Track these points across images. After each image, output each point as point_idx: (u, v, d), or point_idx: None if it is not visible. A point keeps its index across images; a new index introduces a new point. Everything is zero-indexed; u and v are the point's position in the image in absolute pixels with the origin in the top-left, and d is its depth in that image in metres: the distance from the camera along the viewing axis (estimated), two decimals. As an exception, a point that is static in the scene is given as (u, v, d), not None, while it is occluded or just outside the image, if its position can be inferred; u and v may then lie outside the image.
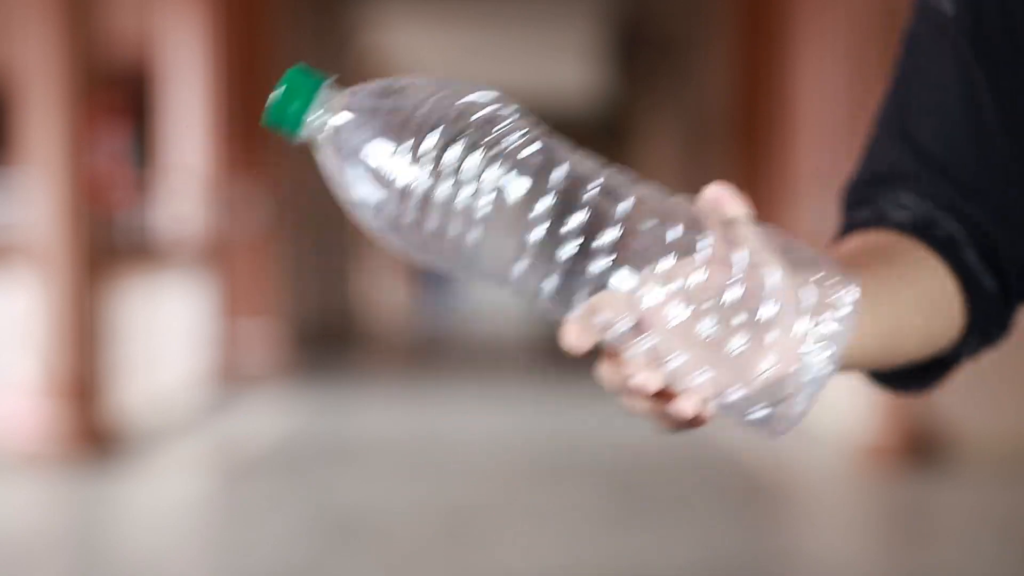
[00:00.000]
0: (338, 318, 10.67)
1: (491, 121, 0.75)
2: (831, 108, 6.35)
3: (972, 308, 0.96)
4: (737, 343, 0.72)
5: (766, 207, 7.68)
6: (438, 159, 0.74)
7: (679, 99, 11.11)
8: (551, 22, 12.61)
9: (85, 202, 5.44)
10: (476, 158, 0.74)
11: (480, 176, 0.74)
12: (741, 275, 0.72)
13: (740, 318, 0.72)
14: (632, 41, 12.43)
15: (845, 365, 0.83)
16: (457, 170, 0.74)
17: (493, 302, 17.14)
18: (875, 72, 5.80)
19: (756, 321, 0.72)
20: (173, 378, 6.83)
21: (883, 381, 1.00)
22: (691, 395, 0.72)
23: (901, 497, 5.01)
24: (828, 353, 0.73)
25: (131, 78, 8.18)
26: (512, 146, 0.74)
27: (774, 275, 0.73)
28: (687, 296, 0.72)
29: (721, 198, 0.75)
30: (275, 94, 0.78)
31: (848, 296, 0.75)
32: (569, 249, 0.73)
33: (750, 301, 0.72)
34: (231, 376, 7.51)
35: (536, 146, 0.75)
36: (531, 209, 0.73)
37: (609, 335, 0.73)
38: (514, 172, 0.74)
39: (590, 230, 0.73)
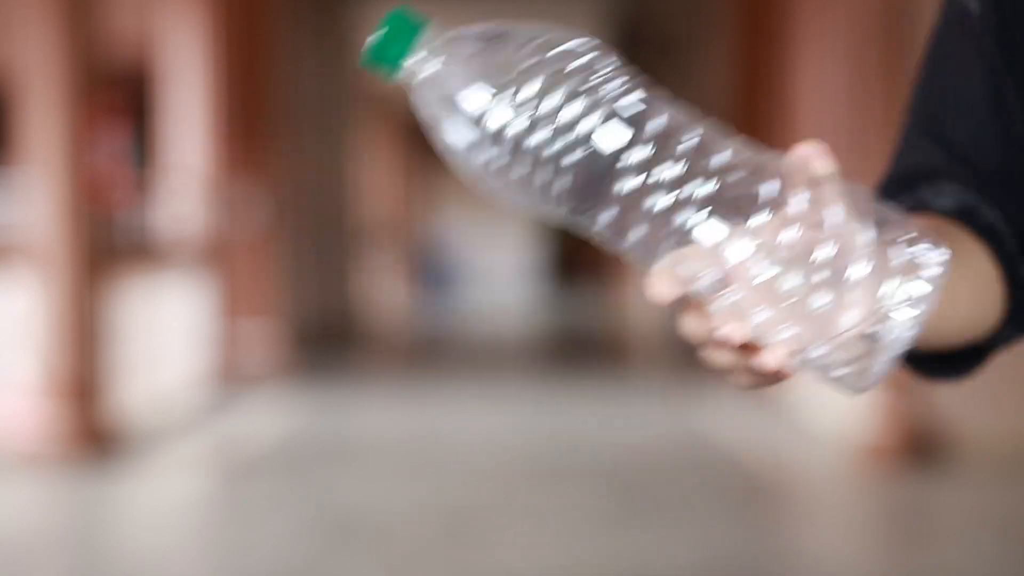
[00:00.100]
0: (338, 318, 10.67)
1: (590, 69, 0.75)
2: (831, 108, 6.35)
3: (1011, 296, 0.97)
4: (823, 300, 0.72)
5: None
6: (535, 105, 0.74)
7: (679, 99, 11.09)
8: (551, 22, 12.60)
9: (85, 202, 5.44)
10: (573, 105, 0.74)
11: (576, 123, 0.74)
12: (832, 233, 0.72)
13: (828, 276, 0.72)
14: (632, 41, 12.42)
15: None
16: (554, 117, 0.74)
17: (493, 302, 17.13)
18: (875, 72, 5.80)
19: (844, 279, 0.72)
20: (173, 378, 6.83)
21: (918, 364, 1.00)
22: (775, 349, 0.73)
23: (901, 497, 5.01)
24: (915, 313, 0.73)
25: (131, 78, 8.18)
26: (610, 95, 0.74)
27: (864, 234, 0.73)
28: (776, 252, 0.72)
29: (810, 155, 0.75)
30: (375, 35, 0.78)
31: (937, 257, 0.74)
32: (661, 200, 0.73)
33: (839, 259, 0.72)
34: (231, 376, 7.51)
35: (634, 96, 0.75)
36: (626, 158, 0.73)
37: (695, 287, 0.73)
38: (611, 121, 0.74)
39: (683, 182, 0.73)
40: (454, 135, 0.76)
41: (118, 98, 7.74)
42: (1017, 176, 0.98)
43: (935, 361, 0.99)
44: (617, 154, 0.73)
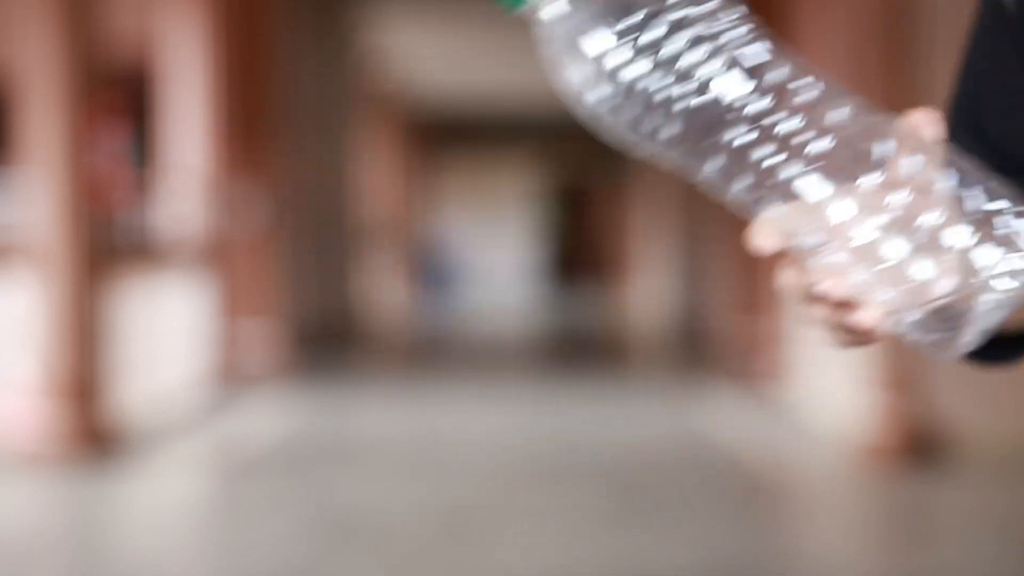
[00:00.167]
0: (338, 318, 10.66)
1: (714, 16, 0.75)
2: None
3: None
4: (922, 266, 0.72)
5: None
6: (657, 49, 0.74)
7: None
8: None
9: (85, 202, 5.44)
10: (696, 52, 0.74)
11: (696, 69, 0.73)
12: (939, 199, 0.72)
13: (929, 241, 0.72)
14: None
15: None
16: (675, 62, 0.74)
17: (493, 302, 17.13)
18: (875, 72, 5.80)
19: (945, 246, 0.72)
20: (173, 378, 6.83)
21: (988, 344, 1.00)
22: (870, 309, 0.73)
23: (901, 497, 5.01)
24: (1013, 284, 0.73)
25: (131, 78, 8.18)
26: (734, 43, 0.74)
27: (973, 202, 0.73)
28: (880, 214, 0.72)
29: (922, 121, 0.75)
30: None
31: None
32: (771, 154, 0.74)
33: (945, 226, 0.72)
34: (231, 376, 7.51)
35: (758, 46, 0.75)
36: (742, 108, 0.73)
37: (796, 242, 0.74)
38: (732, 70, 0.74)
39: (797, 136, 0.73)
40: (573, 73, 0.76)
41: (118, 98, 7.74)
42: None
43: (997, 345, 1.00)
44: (734, 103, 0.73)
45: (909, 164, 0.73)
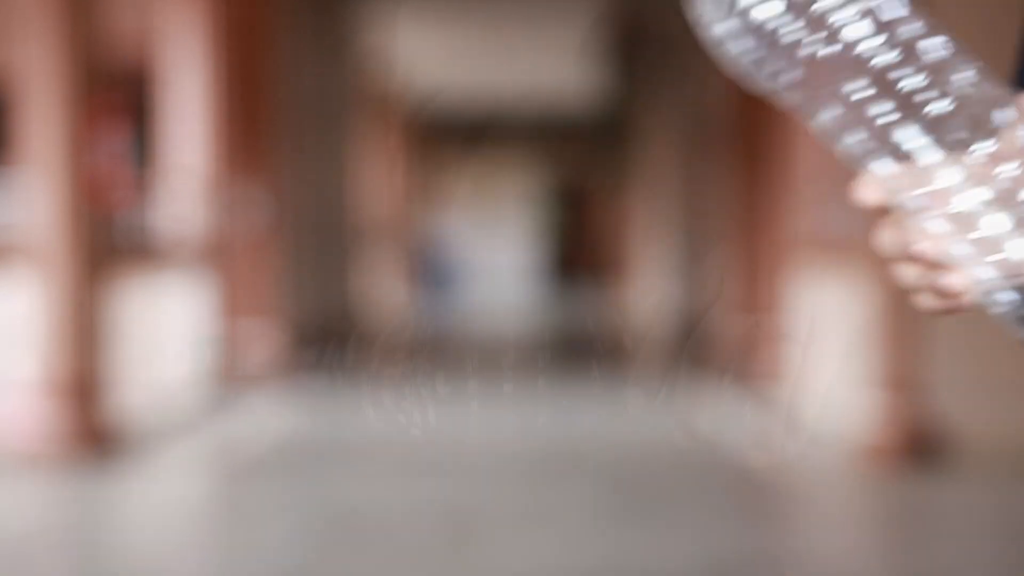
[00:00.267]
0: (338, 318, 10.66)
1: None
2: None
3: None
4: (1020, 244, 0.73)
5: (766, 207, 7.67)
6: (807, 4, 0.74)
7: (679, 99, 11.11)
8: (551, 22, 12.60)
9: (85, 202, 5.44)
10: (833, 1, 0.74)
11: (830, 15, 0.73)
12: None
13: None
14: (632, 41, 12.42)
15: None
16: (810, 4, 0.74)
17: (493, 302, 17.13)
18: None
19: None
20: (173, 378, 6.83)
21: None
22: (962, 275, 0.74)
23: (901, 497, 5.01)
24: None
25: (131, 78, 8.18)
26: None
27: None
28: (987, 184, 0.73)
29: None
30: None
31: None
32: (890, 111, 0.74)
33: None
34: (231, 376, 7.51)
35: (893, 2, 0.75)
36: (868, 60, 0.73)
37: (900, 201, 0.74)
38: (864, 19, 0.74)
39: (919, 95, 0.74)
40: (716, 24, 0.76)
41: (118, 98, 7.74)
42: None
43: None
44: (862, 54, 0.73)
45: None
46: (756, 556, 4.04)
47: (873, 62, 0.73)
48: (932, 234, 0.74)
